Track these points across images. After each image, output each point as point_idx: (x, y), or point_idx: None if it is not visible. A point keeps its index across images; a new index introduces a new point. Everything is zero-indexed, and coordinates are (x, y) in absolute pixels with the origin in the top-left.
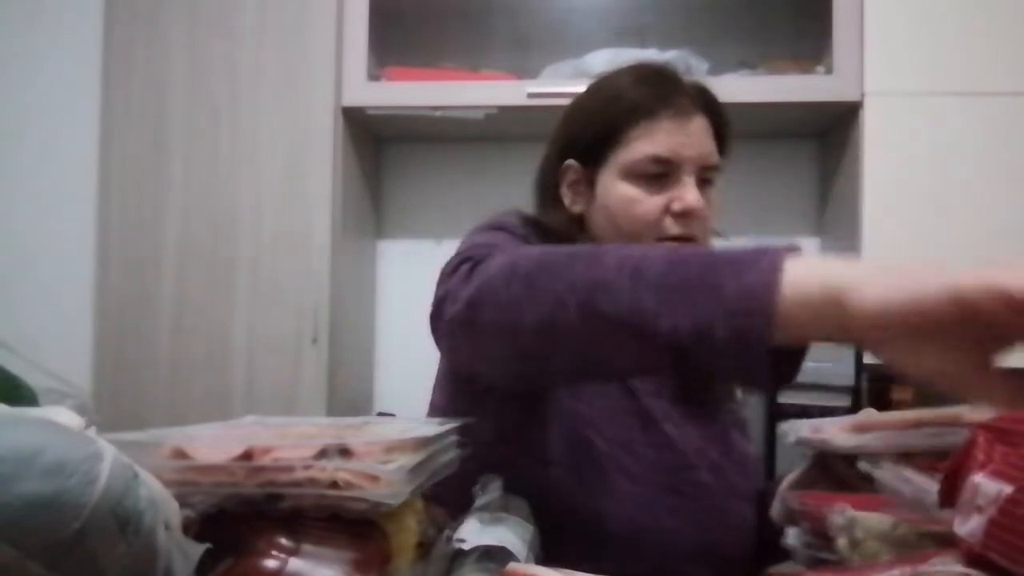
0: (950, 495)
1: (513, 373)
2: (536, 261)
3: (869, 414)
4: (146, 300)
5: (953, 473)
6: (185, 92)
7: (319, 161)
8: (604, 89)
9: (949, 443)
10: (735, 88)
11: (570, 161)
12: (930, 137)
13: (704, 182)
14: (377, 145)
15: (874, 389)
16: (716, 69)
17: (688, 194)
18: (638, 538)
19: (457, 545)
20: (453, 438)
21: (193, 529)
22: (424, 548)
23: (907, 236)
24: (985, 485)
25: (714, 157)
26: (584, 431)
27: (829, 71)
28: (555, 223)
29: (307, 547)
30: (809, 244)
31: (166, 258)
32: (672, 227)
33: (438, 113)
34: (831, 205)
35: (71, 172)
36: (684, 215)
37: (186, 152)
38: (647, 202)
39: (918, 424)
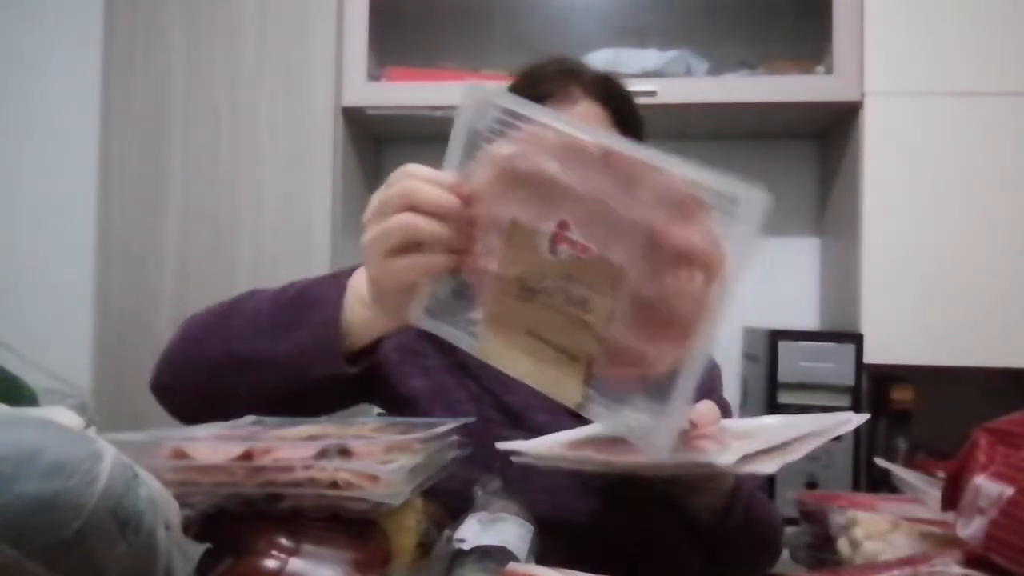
0: (952, 497)
1: (209, 414)
2: (201, 323)
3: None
4: (146, 300)
5: (955, 475)
6: (185, 92)
7: (319, 161)
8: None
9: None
10: (735, 88)
11: None
12: (930, 137)
13: None
14: (377, 145)
15: (874, 389)
16: (716, 69)
17: None
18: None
19: (457, 545)
20: (453, 438)
21: (193, 529)
22: (424, 548)
23: (907, 236)
24: (986, 487)
25: None
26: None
27: (829, 71)
28: None
29: (307, 547)
30: (809, 244)
31: (166, 258)
32: None
33: (438, 113)
34: (831, 205)
35: (71, 172)
36: None
37: (186, 152)
38: None
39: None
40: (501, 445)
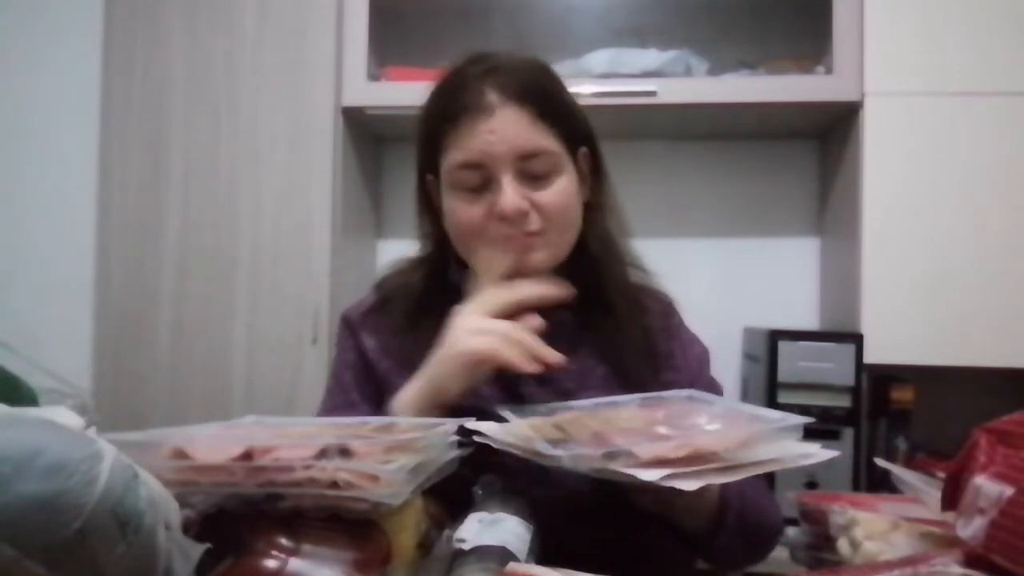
0: (952, 497)
1: None
2: None
3: None
4: (146, 300)
5: (955, 475)
6: (185, 92)
7: (319, 161)
8: (426, 99)
9: None
10: (735, 88)
11: (429, 176)
12: (930, 137)
13: (536, 174)
14: (377, 145)
15: (874, 389)
16: (716, 69)
17: (501, 197)
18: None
19: (457, 545)
20: (453, 438)
21: (193, 529)
22: (424, 548)
23: (907, 236)
24: (987, 487)
25: (534, 144)
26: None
27: (829, 71)
28: (427, 238)
29: (307, 547)
30: (809, 244)
31: (166, 258)
32: (495, 230)
33: None
34: (831, 205)
35: (71, 172)
36: (502, 219)
37: (186, 152)
38: (466, 212)
39: None
40: (469, 424)
